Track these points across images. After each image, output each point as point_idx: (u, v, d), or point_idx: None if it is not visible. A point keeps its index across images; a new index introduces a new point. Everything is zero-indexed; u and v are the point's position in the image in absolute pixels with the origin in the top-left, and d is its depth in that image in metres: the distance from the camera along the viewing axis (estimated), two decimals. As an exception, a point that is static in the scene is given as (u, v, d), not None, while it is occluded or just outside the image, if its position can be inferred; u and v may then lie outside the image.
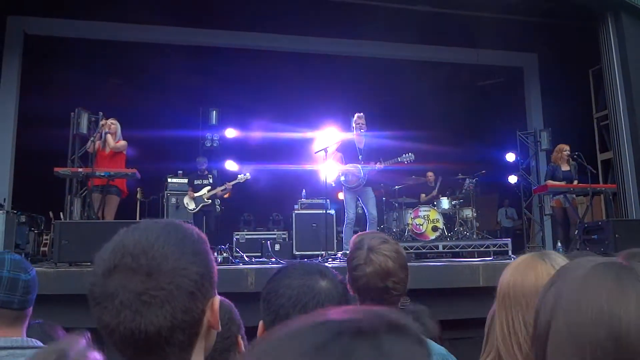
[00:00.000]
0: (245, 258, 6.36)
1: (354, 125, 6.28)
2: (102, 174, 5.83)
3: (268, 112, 9.52)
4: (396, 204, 8.37)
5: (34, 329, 1.60)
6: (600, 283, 0.60)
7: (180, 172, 8.58)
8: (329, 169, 6.40)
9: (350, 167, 6.13)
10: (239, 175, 7.50)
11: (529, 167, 9.43)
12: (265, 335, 0.45)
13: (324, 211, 6.71)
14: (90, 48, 8.23)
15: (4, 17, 7.71)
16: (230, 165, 9.36)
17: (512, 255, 6.64)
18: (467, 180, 8.45)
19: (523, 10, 7.68)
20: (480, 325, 1.18)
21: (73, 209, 6.67)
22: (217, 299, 0.84)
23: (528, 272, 1.10)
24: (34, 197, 7.21)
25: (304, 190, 8.55)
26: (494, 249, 7.31)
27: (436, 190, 8.78)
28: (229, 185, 7.41)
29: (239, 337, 1.28)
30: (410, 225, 7.69)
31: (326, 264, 1.29)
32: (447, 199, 8.25)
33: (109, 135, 6.23)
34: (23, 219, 6.31)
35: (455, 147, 9.74)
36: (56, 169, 5.86)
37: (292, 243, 7.52)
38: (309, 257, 6.36)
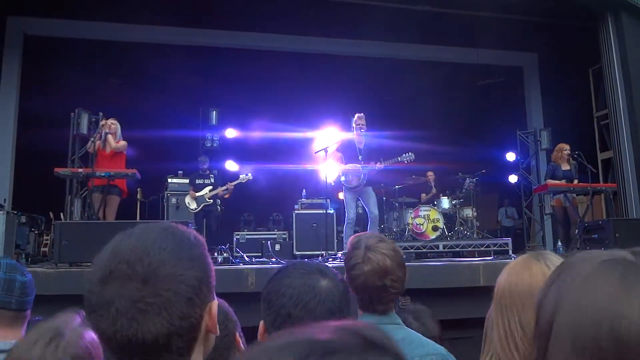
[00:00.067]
0: (246, 258, 6.37)
1: (354, 125, 6.28)
2: (103, 174, 5.83)
3: (268, 112, 9.52)
4: (396, 204, 8.37)
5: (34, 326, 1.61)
6: (604, 281, 0.59)
7: (180, 172, 8.57)
8: (329, 169, 6.41)
9: (350, 167, 6.13)
10: (240, 176, 7.50)
11: (529, 166, 9.43)
12: (241, 355, 0.46)
13: (324, 211, 6.71)
14: (90, 48, 8.23)
15: (3, 18, 7.71)
16: (231, 165, 9.36)
17: (513, 255, 6.64)
18: (468, 180, 8.45)
19: (523, 9, 7.68)
20: (480, 325, 1.18)
21: (73, 210, 6.67)
22: (216, 303, 0.84)
23: (523, 272, 1.11)
24: (34, 198, 7.20)
25: (304, 190, 8.55)
26: (495, 248, 7.30)
27: (435, 189, 8.78)
28: (231, 185, 7.40)
29: (237, 334, 1.28)
30: (410, 225, 7.69)
31: (326, 264, 1.29)
32: (448, 198, 8.25)
33: (109, 136, 6.24)
34: (23, 219, 6.30)
35: (455, 147, 9.74)
36: (56, 170, 5.86)
37: (293, 243, 7.52)
38: (309, 257, 6.36)
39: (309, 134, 9.36)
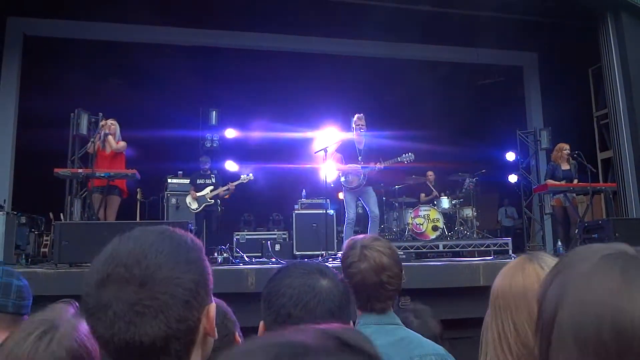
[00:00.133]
0: (246, 258, 6.37)
1: (353, 126, 6.28)
2: (102, 175, 5.84)
3: (268, 112, 9.52)
4: (396, 204, 8.37)
5: None
6: (605, 276, 0.59)
7: (180, 172, 8.57)
8: (328, 169, 6.41)
9: (350, 167, 6.13)
10: (241, 176, 7.48)
11: (529, 166, 9.43)
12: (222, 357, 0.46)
13: (324, 211, 6.71)
14: (89, 48, 8.23)
15: (3, 18, 7.71)
16: (230, 165, 9.36)
17: (513, 255, 6.64)
18: (467, 180, 8.45)
19: (523, 9, 7.67)
20: (480, 325, 1.18)
21: (73, 210, 6.67)
22: (213, 306, 0.84)
23: (516, 274, 1.11)
24: (34, 198, 7.20)
25: (304, 190, 8.55)
26: (495, 248, 7.31)
27: (435, 191, 8.78)
28: (232, 185, 7.38)
29: (237, 334, 1.28)
30: (410, 225, 7.69)
31: (326, 264, 1.29)
32: (447, 198, 8.25)
33: (109, 136, 6.24)
34: (23, 220, 6.30)
35: (455, 147, 9.74)
36: (56, 170, 5.87)
37: (292, 243, 7.52)
38: (309, 257, 6.36)
39: (308, 134, 9.36)
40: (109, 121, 6.42)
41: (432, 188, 8.81)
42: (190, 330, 0.78)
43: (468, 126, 10.33)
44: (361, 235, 1.68)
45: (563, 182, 6.67)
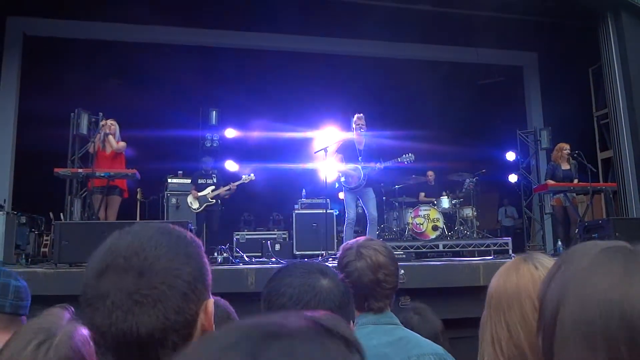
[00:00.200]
0: (246, 258, 6.37)
1: (353, 125, 6.27)
2: (103, 175, 5.84)
3: (268, 112, 9.52)
4: (396, 204, 8.37)
5: None
6: (608, 270, 0.59)
7: (180, 172, 8.56)
8: (329, 168, 6.40)
9: (350, 167, 6.12)
10: (243, 176, 7.46)
11: (529, 166, 9.43)
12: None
13: (324, 211, 6.71)
14: (89, 48, 8.23)
15: (3, 18, 7.71)
16: (230, 165, 9.35)
17: (513, 254, 6.64)
18: (468, 180, 8.45)
19: (523, 9, 7.67)
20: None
21: (73, 210, 6.68)
22: (211, 301, 0.84)
23: (510, 274, 1.10)
24: (34, 198, 7.20)
25: (304, 190, 8.55)
26: (495, 248, 7.32)
27: (436, 190, 8.78)
28: (233, 185, 7.37)
29: None
30: (410, 225, 7.69)
31: (327, 264, 1.29)
32: (447, 198, 8.25)
33: (110, 136, 6.25)
34: (23, 219, 6.30)
35: (455, 146, 9.74)
36: (56, 170, 5.87)
37: (293, 243, 7.52)
38: (309, 256, 6.36)
39: (308, 133, 9.35)
40: (109, 121, 6.43)
41: (432, 185, 8.81)
42: (188, 323, 0.78)
43: (468, 126, 10.33)
44: (355, 239, 1.70)
45: (563, 182, 6.67)
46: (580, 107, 8.96)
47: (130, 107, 7.75)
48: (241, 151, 9.51)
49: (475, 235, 7.95)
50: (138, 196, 8.65)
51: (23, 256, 6.16)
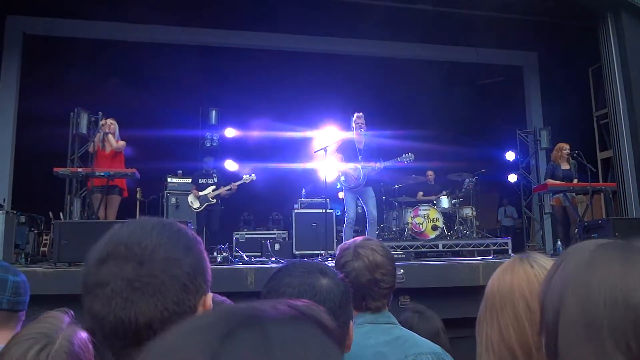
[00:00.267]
0: (245, 258, 6.37)
1: (353, 125, 6.26)
2: (102, 174, 5.84)
3: (267, 111, 9.51)
4: (396, 203, 8.37)
5: None
6: (607, 262, 0.60)
7: (180, 171, 8.56)
8: (328, 168, 6.40)
9: (349, 167, 6.12)
10: (244, 176, 7.46)
11: (529, 165, 9.44)
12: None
13: (324, 210, 6.70)
14: (89, 47, 8.23)
15: (3, 17, 7.70)
16: (230, 164, 9.35)
17: (512, 254, 6.64)
18: (467, 179, 8.45)
19: (523, 9, 7.67)
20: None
21: (73, 209, 6.67)
22: (210, 296, 0.84)
23: (505, 274, 1.10)
24: (33, 197, 7.20)
25: (303, 190, 8.54)
26: (494, 247, 7.32)
27: (435, 190, 8.78)
28: (234, 185, 7.36)
29: None
30: (410, 224, 7.69)
31: (326, 263, 1.29)
32: (447, 197, 8.24)
33: (110, 135, 6.25)
34: (23, 219, 6.30)
35: (455, 146, 9.73)
36: (56, 169, 5.86)
37: (292, 242, 7.52)
38: (308, 256, 6.36)
39: (308, 133, 9.34)
40: (109, 120, 6.43)
41: (432, 185, 8.81)
42: (186, 316, 0.78)
43: (468, 126, 10.33)
44: (352, 239, 1.70)
45: (563, 182, 6.67)
46: (580, 107, 8.96)
47: (129, 107, 7.74)
48: (241, 151, 9.50)
49: (474, 235, 7.95)
50: (137, 195, 8.65)
51: (22, 255, 6.16)
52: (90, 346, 1.06)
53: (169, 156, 8.63)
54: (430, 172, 8.95)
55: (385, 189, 8.42)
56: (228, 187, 7.32)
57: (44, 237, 6.79)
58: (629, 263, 0.58)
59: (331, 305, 1.09)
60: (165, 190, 8.32)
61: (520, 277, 1.06)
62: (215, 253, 6.20)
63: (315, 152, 6.60)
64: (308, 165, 8.12)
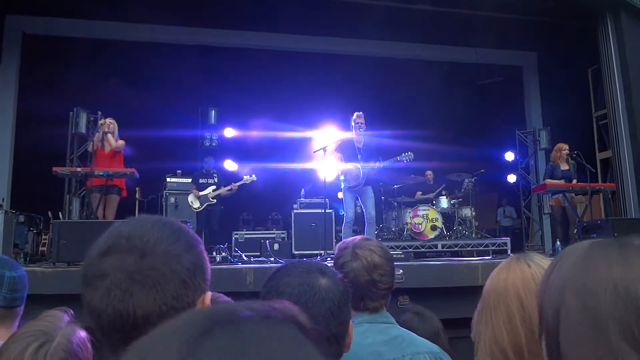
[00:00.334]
0: (244, 257, 6.37)
1: (352, 124, 6.26)
2: (101, 174, 5.83)
3: (267, 111, 9.50)
4: (395, 203, 8.37)
5: None
6: (605, 256, 0.60)
7: (179, 171, 8.56)
8: (328, 168, 6.39)
9: (349, 166, 6.12)
10: (244, 177, 7.45)
11: (528, 166, 9.44)
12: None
13: (323, 210, 6.70)
14: (88, 47, 8.22)
15: (2, 17, 7.69)
16: (229, 164, 9.34)
17: (511, 254, 6.63)
18: (466, 179, 8.45)
19: (522, 9, 7.68)
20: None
21: (72, 209, 6.66)
22: (209, 294, 0.84)
23: (501, 273, 1.10)
24: (32, 197, 7.19)
25: (302, 190, 8.54)
26: (493, 248, 7.32)
27: (434, 189, 8.78)
28: (235, 186, 7.35)
29: None
30: (409, 225, 7.69)
31: (325, 263, 1.29)
32: (446, 198, 8.25)
33: (109, 135, 6.24)
34: (22, 218, 6.30)
35: (454, 146, 9.73)
36: (55, 169, 5.86)
37: (291, 242, 7.52)
38: (308, 256, 6.36)
39: (307, 133, 9.34)
40: (108, 120, 6.43)
41: (431, 184, 8.81)
42: (184, 312, 0.78)
43: (467, 126, 10.33)
44: (351, 238, 1.69)
45: (562, 182, 6.67)
46: (580, 107, 8.97)
47: (129, 106, 7.74)
48: (240, 150, 9.50)
49: (473, 235, 7.95)
50: (137, 195, 8.64)
51: (21, 255, 6.16)
52: (89, 345, 1.07)
53: (168, 156, 8.63)
54: (429, 172, 8.95)
55: (385, 189, 8.42)
56: (228, 188, 7.31)
57: (43, 237, 6.78)
58: (625, 257, 0.59)
59: (330, 305, 1.09)
60: (165, 190, 8.32)
61: (515, 276, 1.06)
62: (214, 253, 6.20)
63: (314, 152, 6.59)
64: (307, 165, 8.12)
